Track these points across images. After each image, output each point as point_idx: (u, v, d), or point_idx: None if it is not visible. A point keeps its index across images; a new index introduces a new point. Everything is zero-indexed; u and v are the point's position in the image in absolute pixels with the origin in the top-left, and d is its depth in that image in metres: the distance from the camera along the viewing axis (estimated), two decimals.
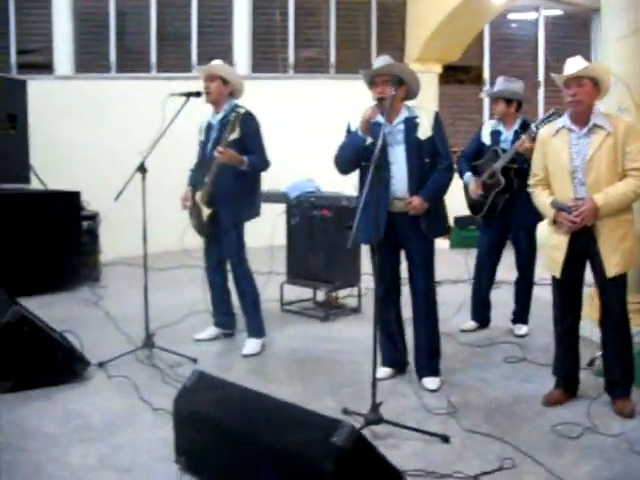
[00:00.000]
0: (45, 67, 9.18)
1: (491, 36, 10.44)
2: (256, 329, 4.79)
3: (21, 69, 9.03)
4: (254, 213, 4.76)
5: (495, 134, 5.14)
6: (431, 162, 3.96)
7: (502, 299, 5.53)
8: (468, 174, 5.14)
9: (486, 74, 10.45)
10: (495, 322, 5.42)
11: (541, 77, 10.45)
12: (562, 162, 3.62)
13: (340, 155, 4.07)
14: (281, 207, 5.94)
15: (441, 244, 6.28)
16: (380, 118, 3.94)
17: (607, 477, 3.01)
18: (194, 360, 4.47)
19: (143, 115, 8.89)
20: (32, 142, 7.21)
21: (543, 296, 5.38)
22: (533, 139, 4.73)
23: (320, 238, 5.67)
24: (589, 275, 3.77)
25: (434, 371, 4.11)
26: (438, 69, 9.75)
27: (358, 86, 9.86)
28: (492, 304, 5.42)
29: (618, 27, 4.92)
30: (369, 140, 3.88)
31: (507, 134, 5.10)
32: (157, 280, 7.16)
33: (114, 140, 8.82)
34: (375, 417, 3.37)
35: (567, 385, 3.88)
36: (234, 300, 5.04)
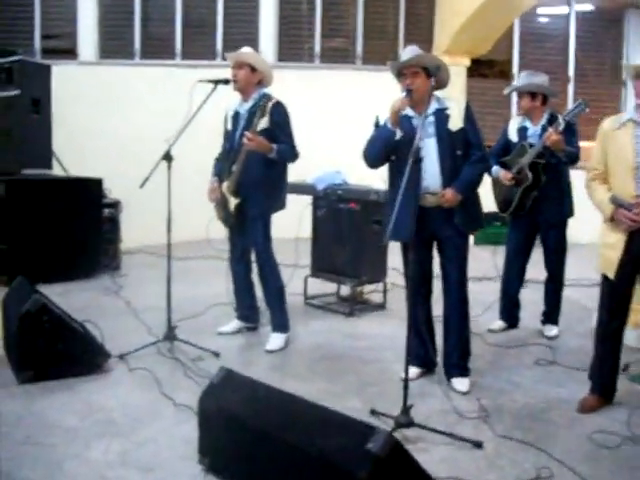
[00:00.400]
0: (69, 52, 9.11)
1: (521, 30, 10.22)
2: (280, 324, 4.68)
3: (45, 54, 8.96)
4: (281, 205, 4.65)
5: (522, 130, 4.98)
6: (463, 154, 3.84)
7: (531, 298, 5.37)
8: (496, 167, 4.98)
9: (515, 68, 10.25)
10: (524, 322, 5.28)
11: (571, 72, 10.22)
12: (625, 156, 3.43)
13: (369, 149, 3.94)
14: (307, 199, 5.82)
15: None
16: (409, 110, 3.81)
17: None
18: (217, 354, 4.37)
19: (167, 103, 8.81)
20: (54, 128, 7.13)
21: (572, 296, 5.26)
22: (561, 132, 4.60)
23: (347, 232, 5.54)
24: None
25: (464, 371, 3.98)
26: (467, 62, 9.57)
27: (385, 77, 9.74)
28: (521, 304, 5.27)
29: None
30: (399, 134, 3.76)
31: (534, 129, 4.94)
32: (178, 270, 7.03)
33: (137, 127, 8.75)
34: (406, 420, 3.25)
35: (604, 391, 3.74)
36: (258, 293, 4.93)
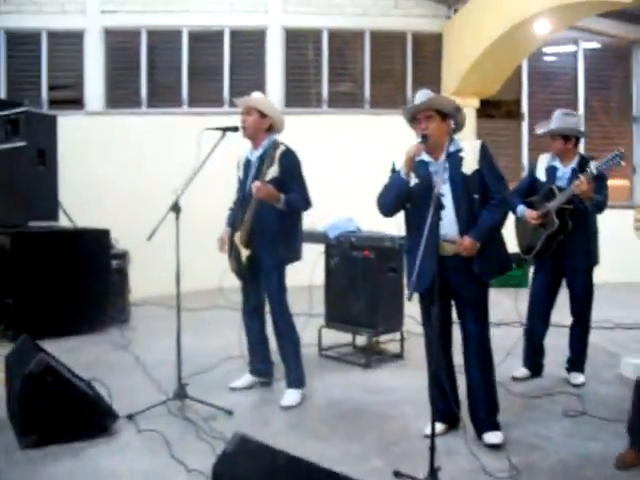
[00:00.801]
0: (76, 103, 9.10)
1: (529, 69, 10.18)
2: (296, 379, 4.48)
3: (52, 105, 8.95)
4: (295, 256, 4.49)
5: (551, 170, 4.83)
6: (481, 197, 3.66)
7: (554, 343, 5.14)
8: (521, 206, 4.81)
9: (524, 108, 10.18)
10: (548, 369, 5.07)
11: (581, 110, 10.13)
12: None
13: (383, 197, 3.80)
14: (319, 247, 5.66)
15: None
16: (425, 156, 3.68)
17: None
18: (230, 412, 4.16)
19: (174, 151, 8.77)
20: (60, 179, 7.04)
21: (594, 340, 5.04)
22: (592, 180, 4.44)
23: (361, 280, 5.36)
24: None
25: (493, 427, 3.75)
26: (476, 103, 9.52)
27: (394, 121, 9.69)
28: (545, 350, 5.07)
29: None
30: (414, 181, 3.62)
31: (564, 171, 4.79)
32: (188, 321, 6.84)
33: (144, 176, 8.70)
34: None
35: None
36: (272, 345, 4.74)
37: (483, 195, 3.66)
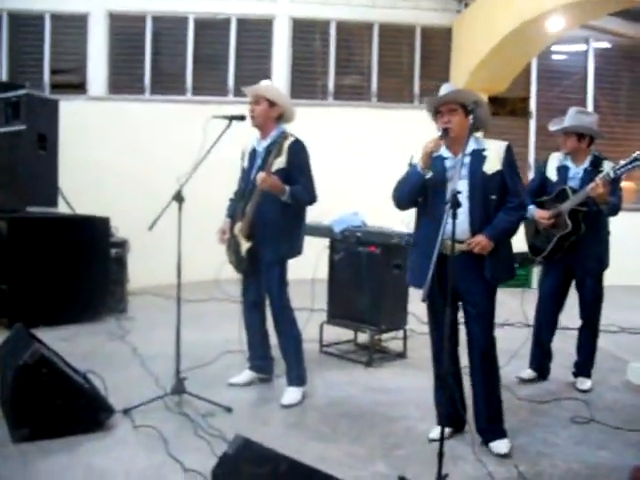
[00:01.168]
0: (78, 87, 8.94)
1: (538, 67, 10.03)
2: (297, 377, 4.36)
3: (54, 89, 8.78)
4: (297, 250, 4.36)
5: (562, 170, 4.69)
6: (498, 200, 3.53)
7: (560, 347, 5.02)
8: (531, 206, 4.66)
9: (532, 106, 10.04)
10: (554, 373, 4.96)
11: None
12: None
13: (397, 190, 3.67)
14: (324, 241, 5.53)
15: None
16: (444, 150, 3.55)
17: None
18: (229, 409, 4.04)
19: (177, 139, 8.65)
20: (60, 164, 6.90)
21: (602, 346, 4.93)
22: (609, 183, 4.31)
23: (366, 276, 5.23)
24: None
25: (500, 434, 3.63)
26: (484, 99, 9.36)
27: (400, 115, 9.68)
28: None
29: None
30: (429, 174, 3.50)
31: (576, 170, 4.66)
32: (187, 313, 6.70)
33: (145, 164, 8.56)
34: None
35: None
36: (272, 341, 4.62)
37: (500, 198, 3.52)
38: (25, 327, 4.05)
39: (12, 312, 5.76)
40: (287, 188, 4.10)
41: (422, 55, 9.70)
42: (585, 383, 4.78)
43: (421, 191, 3.56)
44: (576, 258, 4.61)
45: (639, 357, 5.27)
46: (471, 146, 3.52)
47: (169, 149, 8.62)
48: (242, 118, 4.25)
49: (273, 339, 4.59)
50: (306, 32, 9.51)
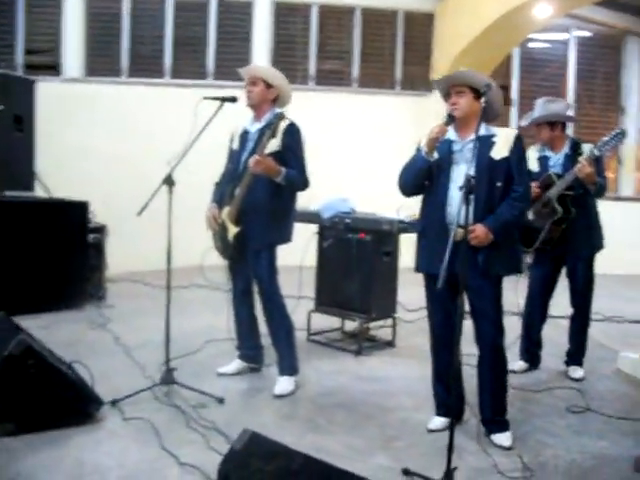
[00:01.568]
0: (52, 68, 8.65)
1: (520, 55, 9.99)
2: (289, 367, 4.24)
3: (27, 70, 8.48)
4: (287, 237, 4.23)
5: (543, 160, 4.64)
6: (504, 187, 3.43)
7: (549, 335, 4.98)
8: None
9: (514, 94, 10.01)
10: (545, 362, 4.92)
11: (570, 99, 9.99)
12: None
13: (403, 176, 3.58)
14: (311, 227, 5.41)
15: None
16: (452, 133, 3.46)
17: None
18: (221, 400, 3.91)
19: (155, 123, 8.46)
20: (36, 147, 6.68)
21: (591, 336, 4.90)
22: (595, 162, 4.29)
23: (356, 264, 5.12)
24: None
25: (503, 426, 3.57)
26: None
27: (381, 101, 9.57)
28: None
29: None
30: (435, 157, 3.40)
31: (556, 158, 4.61)
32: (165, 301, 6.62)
33: (123, 148, 8.36)
34: None
35: None
36: (262, 328, 4.50)
37: (506, 185, 3.42)
38: (8, 316, 3.86)
39: None
40: (283, 170, 3.97)
41: (404, 41, 9.57)
42: (577, 371, 4.75)
43: (426, 176, 3.46)
44: (567, 245, 4.55)
45: (627, 346, 5.27)
46: (480, 131, 3.42)
47: (147, 132, 8.43)
48: (234, 100, 4.10)
49: (262, 327, 4.47)
50: (287, 15, 9.32)
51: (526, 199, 3.53)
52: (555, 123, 4.56)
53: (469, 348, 3.73)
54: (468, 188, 2.88)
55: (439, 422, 3.68)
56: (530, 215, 4.51)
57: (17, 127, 6.19)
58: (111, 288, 6.91)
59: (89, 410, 3.49)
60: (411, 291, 5.52)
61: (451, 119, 3.38)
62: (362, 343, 5.14)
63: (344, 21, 9.50)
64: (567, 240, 4.52)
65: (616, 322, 6.48)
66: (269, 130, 3.94)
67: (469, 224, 3.31)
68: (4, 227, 5.81)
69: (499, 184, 3.39)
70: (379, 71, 9.58)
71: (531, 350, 4.88)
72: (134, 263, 7.92)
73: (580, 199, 4.47)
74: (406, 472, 3.09)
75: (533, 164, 4.66)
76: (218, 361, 4.65)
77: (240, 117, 4.37)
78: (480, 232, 3.33)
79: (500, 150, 3.40)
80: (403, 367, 4.84)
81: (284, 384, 4.17)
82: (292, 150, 4.09)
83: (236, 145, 4.30)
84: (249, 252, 4.18)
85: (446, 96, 3.52)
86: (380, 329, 5.50)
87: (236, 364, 4.51)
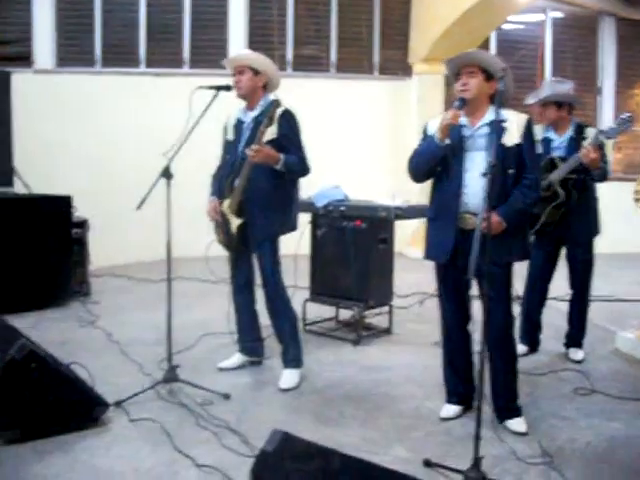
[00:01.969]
0: (24, 59, 8.38)
1: (497, 37, 9.95)
2: (294, 359, 4.16)
3: None
4: (291, 226, 4.14)
5: (546, 142, 4.57)
6: (516, 174, 3.36)
7: (545, 318, 4.93)
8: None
9: None
10: (543, 345, 4.91)
11: (547, 80, 9.98)
12: None
13: (414, 163, 3.49)
14: (305, 216, 5.30)
15: None
16: (461, 118, 3.37)
17: None
18: (227, 397, 3.82)
19: (130, 113, 8.27)
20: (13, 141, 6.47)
21: (590, 318, 4.90)
22: (599, 147, 4.25)
23: (351, 252, 5.04)
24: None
25: (516, 412, 3.53)
26: (444, 70, 9.18)
27: (359, 86, 9.47)
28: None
29: None
30: (447, 142, 3.33)
31: (559, 140, 4.56)
32: (155, 294, 6.48)
33: (98, 140, 8.17)
34: (478, 475, 2.78)
35: None
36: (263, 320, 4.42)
37: (517, 172, 3.35)
38: (2, 319, 3.72)
39: None
40: (281, 156, 3.87)
41: (381, 24, 9.47)
42: (578, 353, 4.74)
43: (439, 162, 3.38)
44: (566, 228, 4.52)
45: (621, 325, 5.28)
46: (489, 116, 3.35)
47: (124, 124, 8.24)
48: (228, 88, 4.00)
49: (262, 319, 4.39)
50: (263, 1, 9.15)
51: (537, 187, 3.45)
52: (562, 104, 4.50)
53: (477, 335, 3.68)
54: (492, 176, 2.80)
55: (452, 410, 3.64)
56: None
57: None
58: (94, 283, 6.75)
59: (94, 413, 3.37)
60: (401, 277, 5.49)
61: (463, 102, 3.30)
62: (360, 332, 5.07)
63: (321, 5, 9.36)
64: (567, 224, 4.50)
65: (607, 301, 6.48)
66: (266, 118, 3.83)
67: (478, 211, 3.27)
68: None
69: (511, 171, 3.32)
70: (357, 56, 9.48)
71: (531, 333, 4.86)
72: (114, 257, 7.77)
73: (581, 183, 4.44)
74: (427, 463, 3.04)
75: None
76: (216, 355, 4.56)
77: (227, 107, 4.24)
78: (494, 221, 3.27)
79: (511, 136, 3.31)
80: (403, 355, 4.79)
81: (289, 377, 4.09)
82: (289, 137, 3.99)
83: (231, 136, 4.18)
84: (252, 244, 4.09)
85: (455, 76, 3.43)
86: (375, 317, 5.45)
87: (237, 358, 4.41)
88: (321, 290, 5.30)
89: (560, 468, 3.05)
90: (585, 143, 4.30)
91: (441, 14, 8.39)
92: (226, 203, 4.06)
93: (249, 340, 4.40)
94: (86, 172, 7.96)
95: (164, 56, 8.81)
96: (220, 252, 4.32)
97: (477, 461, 2.80)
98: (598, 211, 4.66)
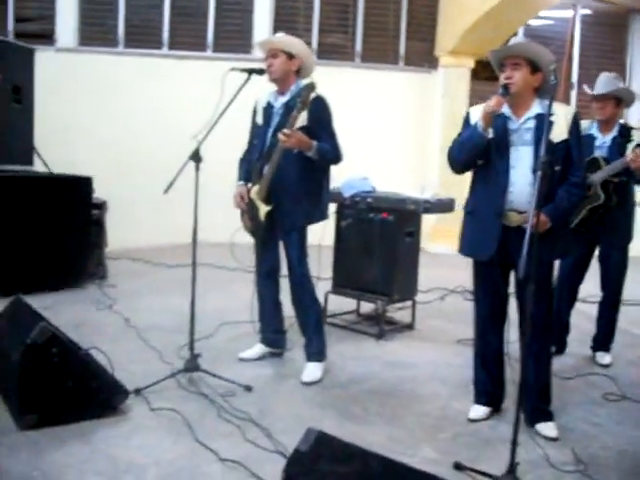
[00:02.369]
0: (46, 37, 8.28)
1: (524, 32, 9.75)
2: (318, 352, 4.05)
3: (19, 38, 8.09)
4: (320, 214, 4.02)
5: (588, 138, 4.37)
6: (562, 171, 3.22)
7: (572, 320, 4.80)
8: None
9: None
10: (569, 347, 4.78)
11: (575, 78, 9.82)
12: None
13: (456, 152, 3.35)
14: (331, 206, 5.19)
15: None
16: (507, 109, 3.24)
17: None
18: (249, 388, 3.72)
19: (151, 95, 8.17)
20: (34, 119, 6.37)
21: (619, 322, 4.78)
22: None
23: (377, 244, 4.93)
24: None
25: (548, 416, 3.41)
26: (471, 64, 9.07)
27: (384, 76, 9.32)
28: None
29: None
30: (490, 134, 3.20)
31: (603, 139, 4.40)
32: (170, 280, 6.42)
33: (117, 121, 8.07)
34: None
35: None
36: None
37: (564, 169, 3.21)
38: (24, 300, 3.62)
39: None
40: (314, 143, 3.75)
41: (408, 15, 9.31)
42: (605, 357, 4.63)
43: (481, 153, 3.25)
44: (602, 230, 4.40)
45: None
46: (536, 109, 3.22)
47: (143, 105, 8.13)
48: (261, 72, 3.88)
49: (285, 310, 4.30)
50: None
51: (583, 185, 3.34)
52: (621, 101, 4.36)
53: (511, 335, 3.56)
54: (543, 173, 2.68)
55: (481, 411, 3.53)
56: None
57: (15, 98, 5.87)
58: (111, 266, 6.66)
59: (114, 401, 3.27)
60: (421, 272, 5.36)
61: (506, 90, 3.16)
62: (383, 326, 4.96)
63: None
64: (604, 226, 4.37)
65: (636, 305, 6.32)
66: (299, 102, 3.70)
67: (524, 209, 3.15)
68: (3, 203, 5.51)
69: (558, 168, 3.18)
70: (382, 46, 9.32)
71: (559, 335, 4.73)
72: (131, 240, 7.67)
73: (623, 187, 4.31)
74: (458, 466, 2.93)
75: None
76: (235, 345, 4.46)
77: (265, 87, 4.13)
78: (541, 220, 3.14)
79: (559, 131, 3.16)
80: (427, 351, 4.69)
81: (313, 370, 3.99)
82: (321, 123, 3.87)
83: (260, 120, 4.06)
84: (279, 232, 3.98)
85: (499, 67, 3.30)
86: (397, 312, 5.34)
87: (258, 349, 4.31)
88: (344, 282, 5.19)
89: (595, 477, 2.94)
90: (633, 147, 4.15)
91: (470, 6, 8.23)
92: (255, 189, 3.95)
93: (271, 331, 4.30)
94: (104, 153, 7.87)
95: (187, 39, 8.69)
96: (245, 239, 4.20)
97: (513, 467, 2.69)
98: (634, 217, 4.53)
